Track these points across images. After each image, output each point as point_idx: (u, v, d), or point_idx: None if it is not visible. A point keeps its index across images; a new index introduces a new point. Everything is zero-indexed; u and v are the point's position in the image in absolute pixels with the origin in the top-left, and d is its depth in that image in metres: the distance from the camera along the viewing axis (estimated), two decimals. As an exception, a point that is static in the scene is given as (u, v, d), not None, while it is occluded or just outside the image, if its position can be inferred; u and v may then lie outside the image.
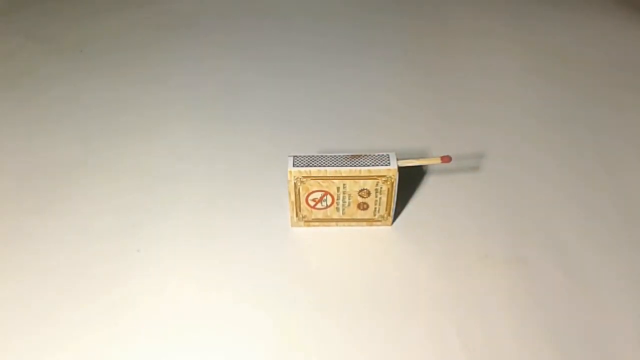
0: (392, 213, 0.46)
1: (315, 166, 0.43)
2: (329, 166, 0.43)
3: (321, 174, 0.43)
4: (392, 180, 0.43)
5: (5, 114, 0.58)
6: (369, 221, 0.47)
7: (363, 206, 0.45)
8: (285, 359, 0.40)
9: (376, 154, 0.44)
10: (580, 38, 0.65)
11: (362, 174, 0.43)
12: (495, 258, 0.45)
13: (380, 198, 0.45)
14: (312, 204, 0.45)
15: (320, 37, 0.67)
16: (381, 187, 0.44)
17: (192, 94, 0.60)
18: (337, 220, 0.47)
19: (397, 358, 0.40)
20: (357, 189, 0.44)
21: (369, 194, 0.44)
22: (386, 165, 0.43)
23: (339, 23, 0.68)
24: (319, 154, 0.44)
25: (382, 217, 0.46)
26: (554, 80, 0.61)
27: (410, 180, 0.50)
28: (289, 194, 0.45)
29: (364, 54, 0.65)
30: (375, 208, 0.46)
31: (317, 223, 0.47)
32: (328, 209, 0.46)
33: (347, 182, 0.44)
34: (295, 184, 0.44)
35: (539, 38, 0.65)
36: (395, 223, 0.48)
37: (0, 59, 0.64)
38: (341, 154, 0.44)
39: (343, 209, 0.46)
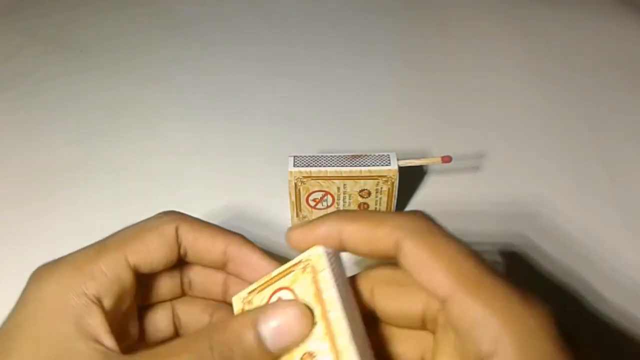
0: (392, 213, 0.46)
1: (315, 166, 0.43)
2: (329, 166, 0.43)
3: (322, 174, 0.43)
4: (393, 180, 0.43)
5: (5, 114, 0.58)
6: (369, 221, 0.47)
7: (363, 206, 0.45)
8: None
9: (376, 154, 0.44)
10: (580, 38, 0.65)
11: (363, 174, 0.43)
12: (495, 258, 0.45)
13: (380, 198, 0.45)
14: (313, 204, 0.45)
15: (320, 37, 0.67)
16: (381, 187, 0.44)
17: (192, 94, 0.60)
18: (337, 220, 0.47)
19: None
20: (358, 189, 0.44)
21: (369, 194, 0.44)
22: (387, 165, 0.43)
23: (339, 23, 0.68)
24: (320, 154, 0.44)
25: (383, 217, 0.46)
26: (554, 80, 0.61)
27: (410, 180, 0.50)
28: (289, 194, 0.45)
29: (364, 53, 0.65)
30: (376, 208, 0.46)
31: (317, 223, 0.47)
32: (328, 209, 0.46)
33: (347, 182, 0.44)
34: (295, 184, 0.44)
35: (539, 38, 0.65)
36: (395, 223, 0.48)
37: (0, 59, 0.64)
38: (341, 154, 0.44)
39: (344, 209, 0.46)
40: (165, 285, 0.34)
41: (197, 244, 0.33)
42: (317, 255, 0.30)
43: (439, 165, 0.51)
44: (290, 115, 0.58)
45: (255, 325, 0.28)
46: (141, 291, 0.34)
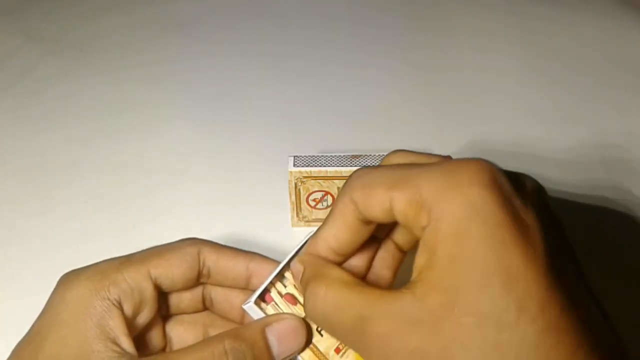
0: (392, 213, 0.46)
1: (315, 166, 0.43)
2: (329, 166, 0.43)
3: (322, 174, 0.43)
4: (393, 180, 0.43)
5: (5, 114, 0.58)
6: (370, 221, 0.47)
7: (363, 206, 0.45)
8: None
9: (376, 154, 0.44)
10: (580, 38, 0.65)
11: (363, 174, 0.43)
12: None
13: (380, 198, 0.45)
14: (313, 204, 0.45)
15: (320, 36, 0.67)
16: (381, 187, 0.44)
17: (192, 94, 0.60)
18: (337, 220, 0.47)
19: None
20: (358, 189, 0.44)
21: (369, 194, 0.44)
22: (386, 165, 0.43)
23: (338, 22, 0.68)
24: (320, 154, 0.44)
25: (383, 217, 0.46)
26: (554, 80, 0.61)
27: (410, 180, 0.50)
28: (289, 194, 0.45)
29: (364, 53, 0.65)
30: (376, 208, 0.45)
31: (317, 223, 0.47)
32: (329, 209, 0.46)
33: (347, 182, 0.44)
34: (295, 184, 0.44)
35: (540, 38, 0.65)
36: (395, 223, 0.48)
37: (0, 59, 0.64)
38: (342, 154, 0.44)
39: (343, 209, 0.46)
40: (187, 299, 0.36)
41: (220, 261, 0.35)
42: None
43: (439, 165, 0.51)
44: (290, 115, 0.58)
45: (264, 334, 0.31)
46: (164, 303, 0.35)
